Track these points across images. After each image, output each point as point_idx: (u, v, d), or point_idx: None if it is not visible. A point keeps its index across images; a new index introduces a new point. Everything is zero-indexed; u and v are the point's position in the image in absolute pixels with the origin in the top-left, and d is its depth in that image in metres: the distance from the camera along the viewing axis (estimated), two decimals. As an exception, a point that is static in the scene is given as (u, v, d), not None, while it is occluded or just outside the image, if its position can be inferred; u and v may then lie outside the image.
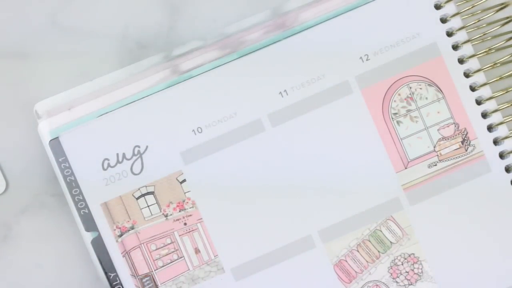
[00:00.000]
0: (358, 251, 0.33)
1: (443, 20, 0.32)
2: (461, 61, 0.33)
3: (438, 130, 0.33)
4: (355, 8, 0.32)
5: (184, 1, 0.34)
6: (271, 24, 0.32)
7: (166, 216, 0.32)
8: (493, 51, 0.33)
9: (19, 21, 0.34)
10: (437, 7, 0.32)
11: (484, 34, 0.33)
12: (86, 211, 0.32)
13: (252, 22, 0.33)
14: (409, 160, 0.33)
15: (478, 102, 0.33)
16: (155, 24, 0.34)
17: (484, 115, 0.33)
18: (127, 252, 0.32)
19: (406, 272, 0.33)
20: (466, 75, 0.33)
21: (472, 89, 0.33)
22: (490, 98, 0.33)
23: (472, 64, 0.33)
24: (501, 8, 0.33)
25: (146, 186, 0.32)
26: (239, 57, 0.32)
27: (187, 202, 0.32)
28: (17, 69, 0.34)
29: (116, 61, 0.34)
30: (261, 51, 0.32)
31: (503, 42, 0.33)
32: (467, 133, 0.33)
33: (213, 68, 0.32)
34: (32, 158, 0.34)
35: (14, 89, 0.34)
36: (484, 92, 0.33)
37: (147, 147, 0.32)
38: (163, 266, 0.32)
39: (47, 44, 0.34)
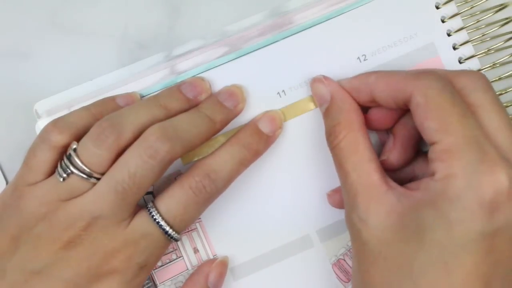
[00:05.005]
0: (356, 251, 0.33)
1: (443, 21, 0.32)
2: (460, 61, 0.32)
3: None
4: (353, 9, 0.32)
5: (184, 1, 0.34)
6: (270, 24, 0.32)
7: (165, 215, 0.32)
8: (492, 51, 0.33)
9: (19, 21, 0.34)
10: (437, 7, 0.32)
11: (483, 35, 0.33)
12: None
13: (251, 22, 0.33)
14: (407, 160, 0.33)
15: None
16: (155, 24, 0.34)
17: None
18: (126, 251, 0.32)
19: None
20: (465, 75, 0.33)
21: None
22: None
23: (471, 64, 0.33)
24: (501, 9, 0.33)
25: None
26: (238, 57, 0.32)
27: (186, 202, 0.32)
28: (17, 69, 0.34)
29: (116, 61, 0.34)
30: (260, 51, 0.32)
31: (502, 42, 0.33)
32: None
33: (212, 68, 0.32)
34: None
35: (14, 89, 0.34)
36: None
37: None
38: (162, 266, 0.32)
39: (47, 44, 0.34)
